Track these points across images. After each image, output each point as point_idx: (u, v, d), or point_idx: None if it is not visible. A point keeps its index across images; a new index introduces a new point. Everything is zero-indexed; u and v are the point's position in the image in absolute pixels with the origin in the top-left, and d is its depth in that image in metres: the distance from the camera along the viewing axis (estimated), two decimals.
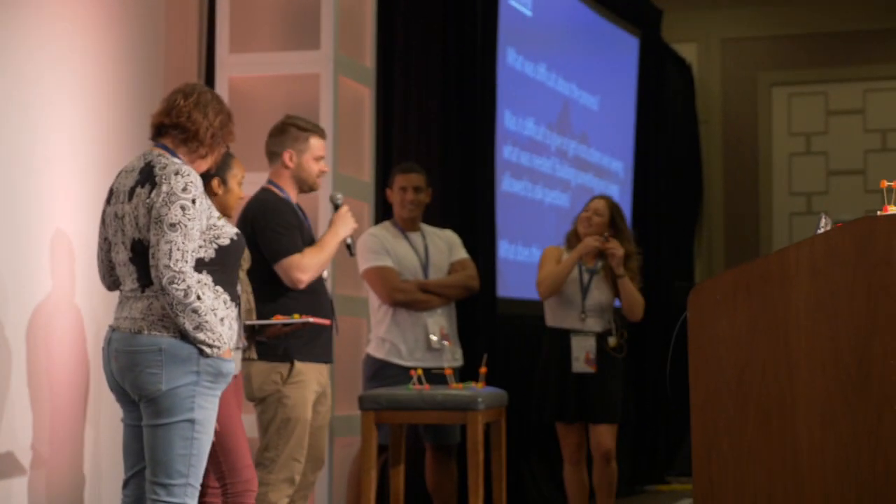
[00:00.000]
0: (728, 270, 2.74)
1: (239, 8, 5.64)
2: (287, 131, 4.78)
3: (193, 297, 3.53)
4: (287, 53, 5.60)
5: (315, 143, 4.78)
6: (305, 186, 4.80)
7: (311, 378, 4.64)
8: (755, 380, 2.63)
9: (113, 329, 3.68)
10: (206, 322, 3.55)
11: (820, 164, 11.01)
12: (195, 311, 3.53)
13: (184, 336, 3.56)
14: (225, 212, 4.33)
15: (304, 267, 4.58)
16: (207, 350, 3.57)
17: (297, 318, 4.43)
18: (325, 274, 4.79)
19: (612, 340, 5.93)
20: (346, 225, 4.75)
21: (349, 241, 4.80)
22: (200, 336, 3.55)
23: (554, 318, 5.99)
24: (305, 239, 4.69)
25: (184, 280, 3.52)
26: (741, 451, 2.66)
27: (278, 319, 4.42)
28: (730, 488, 2.67)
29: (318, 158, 4.79)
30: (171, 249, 3.53)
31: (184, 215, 3.55)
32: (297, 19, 5.64)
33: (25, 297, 4.44)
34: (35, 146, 4.54)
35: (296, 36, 5.63)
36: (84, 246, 4.71)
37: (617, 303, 6.06)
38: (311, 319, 4.44)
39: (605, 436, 5.95)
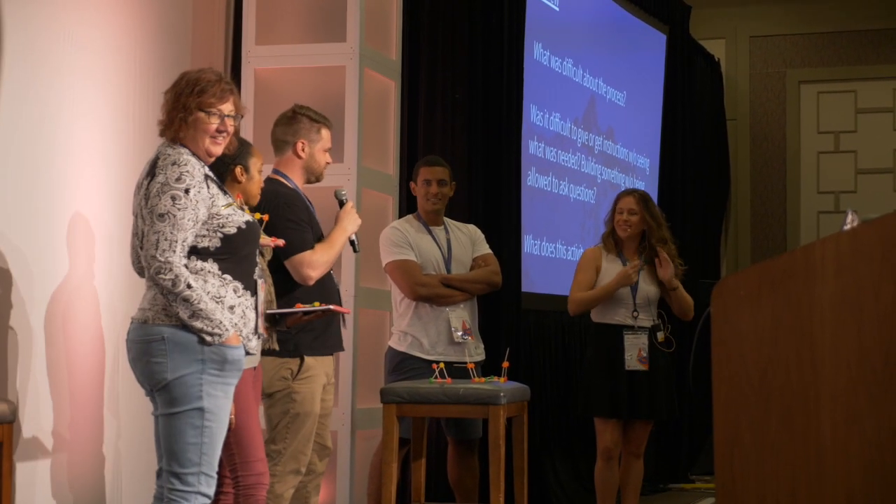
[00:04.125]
0: (752, 266, 2.71)
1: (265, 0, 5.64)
2: (299, 121, 4.77)
3: (182, 285, 3.54)
4: (313, 45, 5.59)
5: (326, 134, 4.78)
6: (313, 177, 4.79)
7: (320, 371, 4.64)
8: (779, 376, 2.60)
9: (131, 320, 3.71)
10: (201, 310, 3.55)
11: (848, 162, 10.94)
12: (186, 299, 3.54)
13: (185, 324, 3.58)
14: (249, 200, 4.32)
15: (315, 264, 4.57)
16: (207, 338, 3.57)
17: (317, 306, 4.42)
18: None
19: (660, 335, 5.95)
20: (352, 221, 4.72)
21: (353, 237, 4.77)
22: (197, 325, 3.56)
23: (602, 314, 5.98)
24: (315, 232, 4.68)
25: (170, 270, 3.54)
26: (764, 448, 2.63)
27: (299, 308, 4.41)
28: (752, 485, 2.64)
29: (327, 150, 4.79)
30: (157, 240, 3.55)
31: (173, 205, 3.57)
32: (324, 11, 5.63)
33: (46, 280, 4.46)
34: (57, 134, 4.55)
35: (322, 28, 5.62)
36: (103, 231, 4.73)
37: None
38: (331, 307, 4.43)
39: (641, 433, 5.97)
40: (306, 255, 4.57)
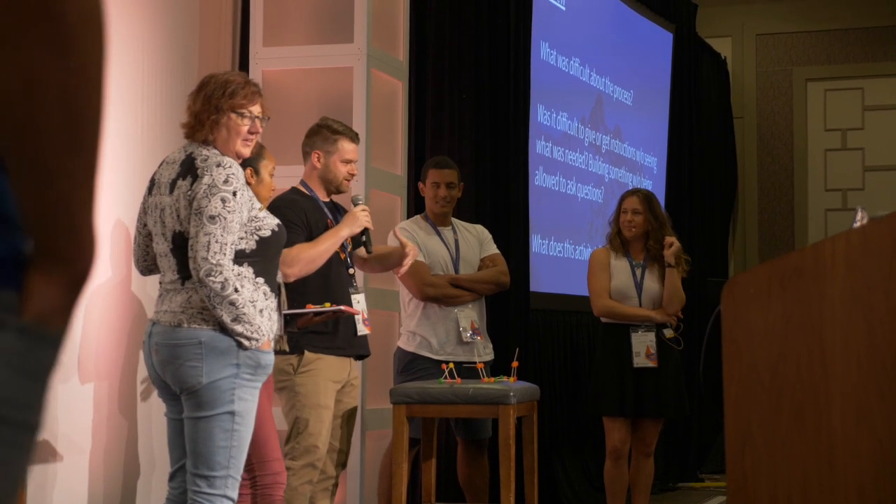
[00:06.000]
0: (762, 264, 2.72)
1: (272, 1, 5.65)
2: (319, 132, 4.81)
3: (231, 289, 3.53)
4: (320, 47, 5.60)
5: (344, 146, 4.78)
6: (332, 188, 4.81)
7: (326, 367, 4.64)
8: (789, 374, 2.61)
9: (153, 322, 3.69)
10: (244, 314, 3.55)
11: (856, 159, 10.93)
12: (232, 303, 3.53)
13: (223, 328, 3.57)
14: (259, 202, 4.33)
15: (291, 261, 4.56)
16: (246, 342, 3.57)
17: (327, 307, 4.44)
18: (350, 271, 4.80)
19: (667, 332, 5.95)
20: (351, 224, 4.71)
21: (364, 238, 4.77)
22: (238, 328, 3.55)
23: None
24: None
25: (221, 273, 3.52)
26: (775, 446, 2.63)
27: (309, 308, 4.43)
28: (764, 483, 2.64)
29: (347, 161, 4.79)
30: (209, 242, 3.53)
31: (224, 207, 3.56)
32: (331, 13, 5.64)
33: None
34: None
35: (329, 29, 5.63)
36: (109, 231, 4.76)
37: None
38: (342, 308, 4.44)
39: (651, 431, 5.97)
40: (282, 252, 4.58)
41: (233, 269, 3.58)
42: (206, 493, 3.58)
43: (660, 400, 5.92)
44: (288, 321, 4.39)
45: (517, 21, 7.12)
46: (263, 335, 3.60)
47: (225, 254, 3.54)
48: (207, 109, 3.72)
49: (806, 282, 2.59)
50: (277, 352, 4.42)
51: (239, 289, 3.55)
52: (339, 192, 4.84)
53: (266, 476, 4.18)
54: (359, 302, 4.81)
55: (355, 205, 4.80)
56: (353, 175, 4.83)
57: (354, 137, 4.84)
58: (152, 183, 3.79)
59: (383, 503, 5.38)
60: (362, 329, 4.81)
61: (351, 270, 4.82)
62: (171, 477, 3.78)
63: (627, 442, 5.95)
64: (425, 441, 5.33)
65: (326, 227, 4.72)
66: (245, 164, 4.22)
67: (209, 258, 3.52)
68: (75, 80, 1.02)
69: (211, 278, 3.52)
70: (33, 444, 1.09)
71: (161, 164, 3.81)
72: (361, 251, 4.89)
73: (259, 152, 4.31)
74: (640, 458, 6.00)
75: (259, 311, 3.62)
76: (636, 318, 5.91)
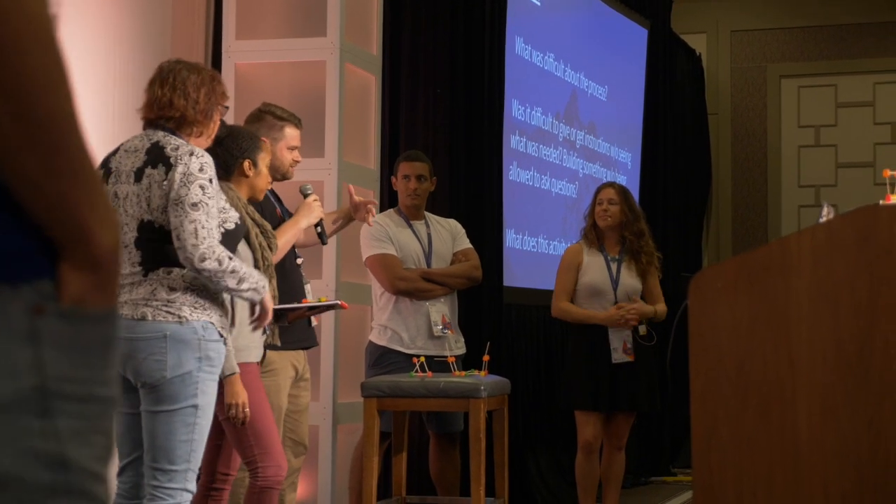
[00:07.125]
0: (730, 259, 2.72)
1: None
2: (263, 119, 4.74)
3: (227, 261, 3.57)
4: (293, 40, 5.59)
5: (290, 132, 4.74)
6: (278, 175, 4.76)
7: (284, 365, 4.61)
8: (755, 368, 2.62)
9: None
10: (246, 273, 3.60)
11: (829, 156, 10.98)
12: (234, 270, 3.58)
13: (189, 318, 3.56)
14: (256, 195, 4.29)
15: None
16: (256, 296, 3.62)
17: (324, 301, 4.44)
18: (298, 261, 4.77)
19: (641, 329, 5.95)
20: (308, 214, 4.68)
21: (319, 229, 4.75)
22: (245, 286, 3.60)
23: (584, 308, 5.99)
24: (275, 225, 4.65)
25: (214, 252, 3.54)
26: (741, 440, 2.65)
27: (305, 303, 4.42)
28: (730, 477, 2.66)
29: (292, 148, 4.75)
30: (196, 228, 3.54)
31: (203, 194, 3.57)
32: (304, 6, 5.63)
33: None
34: None
35: (302, 23, 5.62)
36: None
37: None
38: (338, 302, 4.45)
39: (623, 425, 5.98)
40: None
41: (222, 248, 3.60)
42: (167, 487, 3.56)
43: (633, 394, 5.93)
44: (279, 316, 4.36)
45: (492, 15, 7.12)
46: (262, 278, 3.67)
47: (213, 237, 3.58)
48: (211, 102, 3.72)
49: (773, 277, 2.60)
50: (269, 346, 4.39)
51: (232, 256, 3.60)
52: (283, 178, 4.80)
53: (269, 468, 4.13)
54: (309, 291, 4.79)
55: (305, 195, 4.75)
56: (297, 162, 4.79)
57: (298, 123, 4.79)
58: (108, 171, 3.71)
59: (354, 497, 5.38)
60: (313, 320, 4.82)
61: (299, 260, 4.79)
62: (121, 472, 3.74)
63: (600, 436, 5.95)
64: (396, 434, 5.33)
65: (276, 216, 4.69)
66: (244, 155, 4.20)
67: (199, 244, 3.53)
68: (31, 114, 1.12)
69: (207, 262, 3.53)
70: (108, 416, 1.19)
71: (117, 152, 3.73)
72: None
73: (257, 144, 4.27)
74: (612, 451, 6.01)
75: (220, 303, 3.65)
76: (592, 321, 5.90)
